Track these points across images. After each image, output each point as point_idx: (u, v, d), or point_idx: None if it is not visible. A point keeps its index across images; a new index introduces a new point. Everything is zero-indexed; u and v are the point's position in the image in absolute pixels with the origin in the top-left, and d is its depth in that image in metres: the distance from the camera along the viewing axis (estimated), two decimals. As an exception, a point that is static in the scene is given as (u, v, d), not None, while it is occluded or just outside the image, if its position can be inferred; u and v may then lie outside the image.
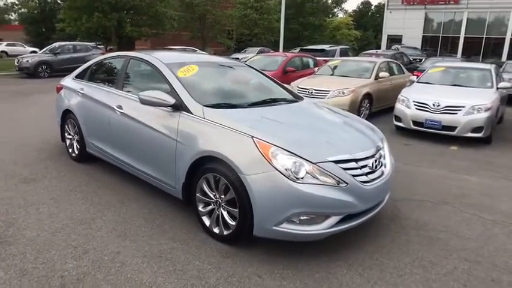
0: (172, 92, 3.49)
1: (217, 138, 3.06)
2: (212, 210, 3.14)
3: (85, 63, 5.25)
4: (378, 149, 3.26)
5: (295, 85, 8.75)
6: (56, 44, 17.90)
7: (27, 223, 3.34)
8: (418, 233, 3.39)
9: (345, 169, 2.86)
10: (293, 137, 3.03)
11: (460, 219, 3.69)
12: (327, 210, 2.81)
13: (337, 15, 55.75)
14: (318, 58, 12.67)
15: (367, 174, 3.00)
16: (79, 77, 5.03)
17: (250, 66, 4.78)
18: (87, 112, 4.55)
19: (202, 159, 3.09)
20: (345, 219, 2.90)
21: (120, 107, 3.94)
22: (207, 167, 3.06)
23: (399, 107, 7.33)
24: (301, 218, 2.77)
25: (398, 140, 6.88)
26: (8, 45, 33.17)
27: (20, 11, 34.54)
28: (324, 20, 40.00)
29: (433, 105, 6.80)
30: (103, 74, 4.79)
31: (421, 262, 2.94)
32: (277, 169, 2.72)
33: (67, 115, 4.97)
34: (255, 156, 2.80)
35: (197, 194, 3.21)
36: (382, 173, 3.18)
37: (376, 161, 3.13)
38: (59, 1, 23.69)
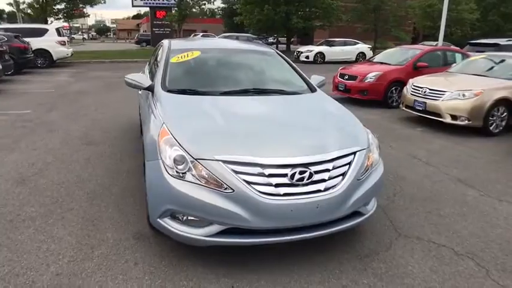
0: (157, 75, 3.62)
1: (149, 121, 3.04)
2: None
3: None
4: (324, 162, 2.51)
5: (412, 82, 7.39)
6: (221, 35, 20.26)
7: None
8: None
9: (238, 172, 2.34)
10: (203, 129, 2.71)
11: None
12: (204, 216, 2.40)
13: None
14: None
15: (279, 185, 2.36)
16: None
17: (281, 56, 4.33)
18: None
19: None
20: (235, 232, 2.41)
21: None
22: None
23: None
24: (188, 217, 2.45)
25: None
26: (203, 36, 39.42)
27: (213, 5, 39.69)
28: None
29: None
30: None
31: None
32: (161, 159, 2.52)
33: None
34: (155, 143, 2.67)
35: None
36: (318, 191, 2.43)
37: (310, 174, 2.42)
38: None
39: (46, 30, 15.72)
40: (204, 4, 27.13)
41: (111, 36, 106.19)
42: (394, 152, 5.46)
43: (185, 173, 2.41)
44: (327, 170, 2.50)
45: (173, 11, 28.46)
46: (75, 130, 6.08)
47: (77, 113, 7.33)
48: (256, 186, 2.34)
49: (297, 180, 2.39)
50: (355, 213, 2.72)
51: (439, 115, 6.61)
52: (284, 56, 4.38)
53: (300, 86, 3.86)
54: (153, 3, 35.41)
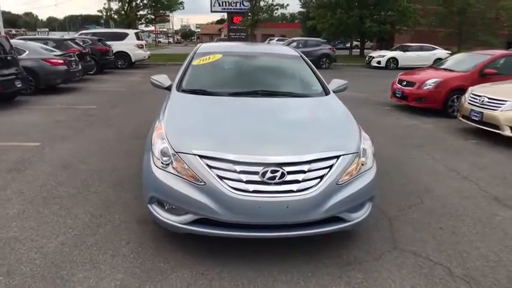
0: (177, 76, 3.94)
1: (158, 117, 3.28)
2: None
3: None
4: (298, 163, 2.52)
5: (470, 90, 6.79)
6: (290, 39, 20.41)
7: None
8: None
9: (212, 167, 2.47)
10: (191, 126, 2.91)
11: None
12: (181, 205, 2.57)
13: None
14: None
15: (250, 182, 2.44)
16: None
17: (304, 59, 4.35)
18: None
19: None
20: (208, 223, 2.54)
21: None
22: None
23: None
24: (171, 206, 2.66)
25: None
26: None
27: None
28: None
29: None
30: None
31: None
32: (152, 150, 2.76)
33: None
34: (151, 136, 2.93)
35: None
36: (290, 191, 2.46)
37: (282, 174, 2.46)
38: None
39: (126, 35, 17.45)
40: (277, 9, 27.49)
41: (195, 40, 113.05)
42: (433, 163, 5.09)
43: (168, 164, 2.62)
44: (302, 172, 2.50)
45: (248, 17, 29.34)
46: (128, 126, 6.71)
47: (137, 111, 8.05)
48: (228, 181, 2.45)
49: (268, 179, 2.45)
50: (337, 219, 2.67)
51: (497, 127, 5.96)
52: (307, 60, 4.38)
53: (315, 89, 3.85)
54: (230, 9, 36.93)
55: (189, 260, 2.72)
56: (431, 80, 8.29)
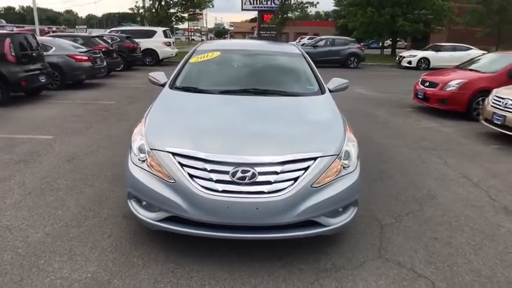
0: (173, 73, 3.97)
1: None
2: None
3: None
4: (270, 164, 2.45)
5: (494, 92, 6.39)
6: (318, 38, 20.08)
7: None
8: None
9: (183, 165, 2.45)
10: (169, 123, 2.93)
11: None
12: (153, 202, 2.58)
13: None
14: None
15: (220, 181, 2.40)
16: None
17: (305, 58, 4.24)
18: None
19: None
20: (179, 221, 2.53)
21: None
22: None
23: None
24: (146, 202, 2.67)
25: None
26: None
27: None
28: None
29: None
30: None
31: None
32: (131, 147, 2.78)
33: None
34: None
35: None
36: (261, 192, 2.39)
37: (253, 174, 2.40)
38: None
39: (154, 32, 17.84)
40: (307, 7, 27.14)
41: (228, 38, 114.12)
42: (444, 168, 4.83)
43: (144, 161, 2.63)
44: (274, 173, 2.43)
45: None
46: (142, 120, 6.84)
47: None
48: (198, 180, 2.42)
49: (238, 179, 2.40)
50: (313, 223, 2.58)
51: (520, 132, 5.58)
52: (308, 58, 4.27)
53: (310, 88, 3.75)
54: (260, 7, 36.91)
55: (163, 256, 2.72)
56: (455, 81, 7.87)
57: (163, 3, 27.22)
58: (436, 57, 19.45)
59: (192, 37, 67.39)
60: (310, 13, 31.34)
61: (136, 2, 26.88)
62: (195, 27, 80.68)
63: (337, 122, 3.00)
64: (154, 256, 2.72)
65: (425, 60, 19.51)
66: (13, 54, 7.51)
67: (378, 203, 3.72)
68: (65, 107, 8.00)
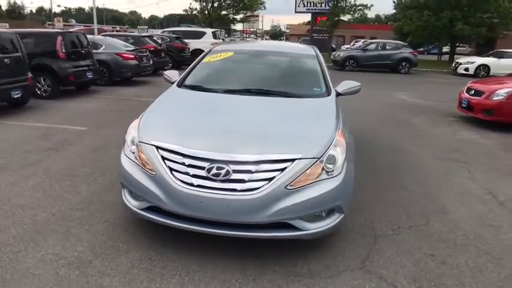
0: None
1: None
2: None
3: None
4: (245, 162, 2.48)
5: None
6: (368, 41, 19.45)
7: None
8: None
9: (165, 158, 2.56)
10: (162, 118, 3.07)
11: None
12: (135, 190, 2.73)
13: None
14: None
15: (196, 176, 2.47)
16: None
17: (318, 60, 4.17)
18: None
19: None
20: (159, 212, 2.65)
21: None
22: None
23: None
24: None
25: None
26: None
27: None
28: None
29: None
30: None
31: None
32: (125, 139, 2.94)
33: None
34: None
35: None
36: (234, 190, 2.43)
37: (227, 171, 2.44)
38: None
39: (204, 33, 18.44)
40: (360, 10, 26.41)
41: (284, 40, 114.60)
42: (470, 182, 4.48)
43: (134, 152, 2.78)
44: (249, 172, 2.45)
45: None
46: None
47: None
48: (176, 174, 2.51)
49: (213, 175, 2.45)
50: (288, 226, 2.55)
51: None
52: (321, 60, 4.19)
53: (316, 90, 3.69)
54: (314, 9, 36.58)
55: (146, 244, 2.84)
56: (503, 89, 7.23)
57: (215, 4, 28.08)
58: (497, 64, 17.94)
59: (247, 39, 68.54)
60: (369, 16, 30.37)
61: (190, 3, 28.05)
62: (251, 29, 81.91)
63: (326, 126, 2.92)
64: (139, 243, 2.86)
65: (485, 67, 18.08)
66: (63, 51, 8.24)
67: (381, 213, 3.56)
68: (108, 101, 8.58)
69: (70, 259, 2.64)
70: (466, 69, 18.32)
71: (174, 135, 2.71)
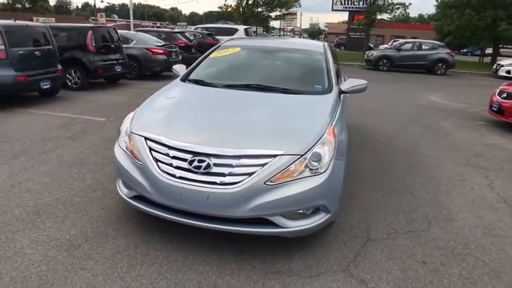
0: None
1: None
2: None
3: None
4: (225, 156, 2.49)
5: None
6: (403, 41, 18.77)
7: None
8: None
9: (152, 149, 2.63)
10: (156, 110, 3.16)
11: None
12: (124, 179, 2.82)
13: None
14: None
15: (179, 168, 2.51)
16: None
17: (326, 57, 4.09)
18: None
19: None
20: (145, 201, 2.72)
21: None
22: None
23: None
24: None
25: None
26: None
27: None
28: None
29: None
30: None
31: None
32: (119, 129, 3.04)
33: None
34: None
35: None
36: (213, 183, 2.45)
37: (208, 164, 2.47)
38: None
39: (236, 30, 18.57)
40: (398, 8, 25.53)
41: (322, 38, 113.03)
42: (485, 189, 4.23)
43: (126, 142, 2.87)
44: (229, 166, 2.46)
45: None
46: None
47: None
48: (161, 164, 2.57)
49: (194, 167, 2.48)
50: (267, 222, 2.53)
51: None
52: (329, 57, 4.10)
53: (317, 87, 3.61)
54: (351, 8, 35.82)
55: (134, 233, 2.93)
56: (538, 94, 6.76)
57: (250, 1, 28.21)
58: (544, 68, 16.77)
59: (284, 37, 68.39)
60: (411, 16, 29.29)
61: (226, 0, 28.39)
62: (290, 27, 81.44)
63: (316, 123, 2.85)
64: (128, 231, 2.96)
65: (530, 70, 16.94)
66: (93, 45, 8.62)
67: (380, 216, 3.45)
68: (134, 94, 8.87)
69: (61, 241, 2.78)
70: (508, 72, 17.21)
71: (162, 127, 2.77)
